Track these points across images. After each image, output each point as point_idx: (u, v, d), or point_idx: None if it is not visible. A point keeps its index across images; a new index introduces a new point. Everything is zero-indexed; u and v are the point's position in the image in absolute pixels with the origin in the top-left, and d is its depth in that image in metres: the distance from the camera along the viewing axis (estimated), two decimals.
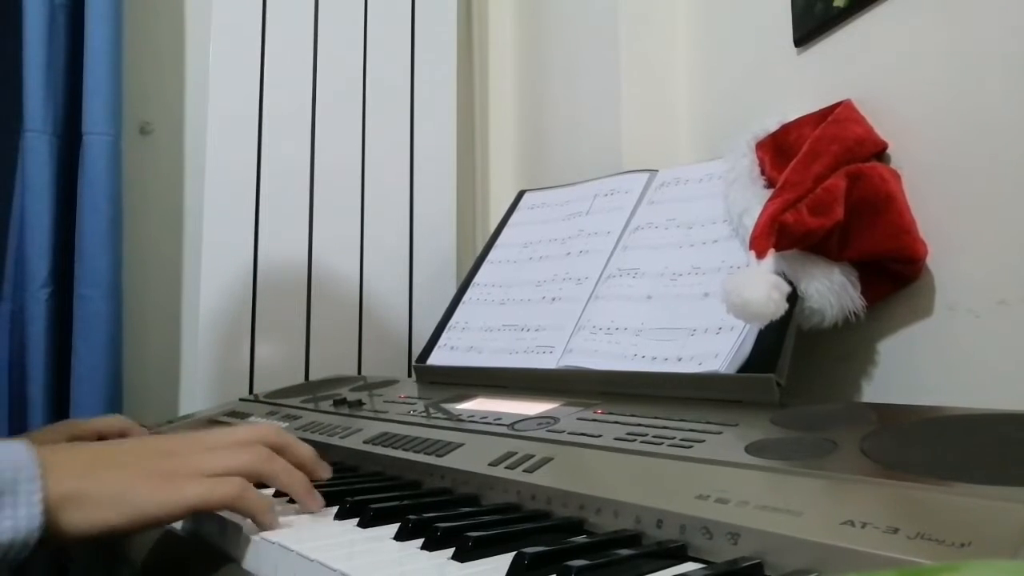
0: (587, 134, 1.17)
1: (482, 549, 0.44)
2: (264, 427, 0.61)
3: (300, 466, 0.60)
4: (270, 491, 0.60)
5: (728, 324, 0.68)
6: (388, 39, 1.31)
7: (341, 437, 0.77)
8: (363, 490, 0.60)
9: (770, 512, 0.41)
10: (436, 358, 0.97)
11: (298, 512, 0.58)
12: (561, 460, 0.56)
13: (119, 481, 0.50)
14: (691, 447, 0.52)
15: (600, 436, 0.59)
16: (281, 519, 0.55)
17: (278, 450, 0.58)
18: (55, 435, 0.73)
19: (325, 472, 0.61)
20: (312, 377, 1.20)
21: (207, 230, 1.17)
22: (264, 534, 0.51)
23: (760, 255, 0.63)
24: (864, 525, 0.37)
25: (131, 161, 1.23)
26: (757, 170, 0.73)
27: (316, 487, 0.60)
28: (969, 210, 0.64)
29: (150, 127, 1.31)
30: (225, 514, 0.56)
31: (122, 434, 0.76)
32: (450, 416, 0.76)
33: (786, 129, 0.73)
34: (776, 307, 0.60)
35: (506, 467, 0.57)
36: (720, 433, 0.54)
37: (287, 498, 0.60)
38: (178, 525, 0.62)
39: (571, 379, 0.78)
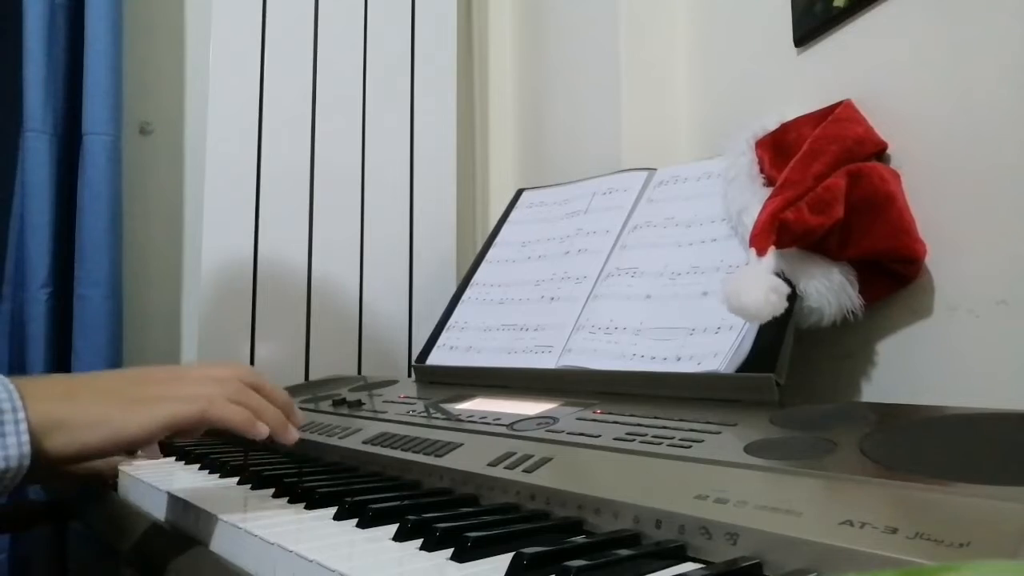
0: (587, 134, 1.17)
1: (481, 549, 0.44)
2: (240, 365, 0.62)
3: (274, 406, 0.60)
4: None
5: (727, 323, 0.68)
6: (388, 39, 1.31)
7: (340, 437, 0.77)
8: (362, 490, 0.60)
9: (769, 512, 0.41)
10: (435, 358, 0.97)
11: (287, 506, 0.58)
12: (560, 460, 0.56)
13: (96, 406, 0.52)
14: (690, 447, 0.52)
15: (599, 436, 0.59)
16: (280, 519, 0.55)
17: (253, 388, 0.59)
18: None
19: (298, 418, 0.62)
20: (312, 377, 1.20)
21: (207, 230, 1.17)
22: (264, 534, 0.51)
23: (760, 252, 0.63)
24: (863, 525, 0.37)
25: (131, 161, 1.23)
26: (756, 168, 0.73)
27: (312, 486, 0.60)
28: (969, 210, 0.64)
29: (150, 127, 1.31)
30: (223, 515, 0.56)
31: None
32: (449, 416, 0.76)
33: (785, 128, 0.73)
34: (774, 308, 0.60)
35: (505, 467, 0.57)
36: (719, 433, 0.54)
37: (285, 499, 0.60)
38: (162, 517, 0.62)
39: (570, 379, 0.78)
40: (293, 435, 0.59)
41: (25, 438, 0.47)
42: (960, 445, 0.47)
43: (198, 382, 0.57)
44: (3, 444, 0.47)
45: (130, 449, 0.54)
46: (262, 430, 0.55)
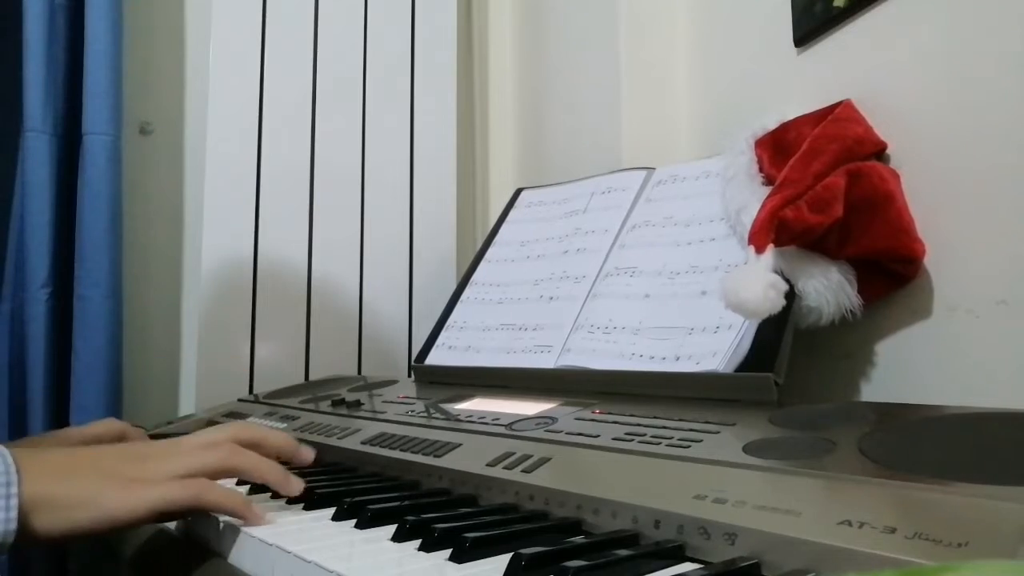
0: (587, 133, 1.17)
1: (480, 550, 0.44)
2: (235, 425, 0.62)
3: (278, 454, 0.61)
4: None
5: (726, 323, 0.68)
6: (388, 39, 1.31)
7: (339, 438, 0.77)
8: (361, 491, 0.60)
9: (768, 512, 0.41)
10: (434, 358, 0.97)
11: (286, 507, 0.58)
12: (559, 460, 0.56)
13: (88, 485, 0.51)
14: (689, 447, 0.52)
15: (598, 436, 0.59)
16: (279, 520, 0.55)
17: (251, 445, 0.59)
18: (54, 442, 0.74)
19: (308, 455, 0.63)
20: (312, 377, 1.20)
21: (207, 230, 1.17)
22: (262, 535, 0.51)
23: (759, 250, 0.63)
24: (862, 525, 0.37)
25: (131, 161, 1.23)
26: (755, 167, 0.72)
27: (311, 487, 0.60)
28: (969, 210, 0.64)
29: (150, 127, 1.31)
30: (222, 516, 0.56)
31: (120, 438, 0.76)
32: (448, 416, 0.76)
33: (785, 127, 0.73)
34: (773, 304, 0.60)
35: (504, 467, 0.57)
36: (718, 433, 0.54)
37: (284, 499, 0.60)
38: (172, 525, 0.62)
39: (569, 379, 0.78)
40: (295, 486, 0.58)
41: (13, 514, 0.47)
42: (959, 445, 0.47)
43: (192, 454, 0.56)
44: None
45: (119, 530, 0.53)
46: (256, 517, 0.54)
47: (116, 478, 0.52)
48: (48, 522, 0.49)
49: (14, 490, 0.47)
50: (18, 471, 0.48)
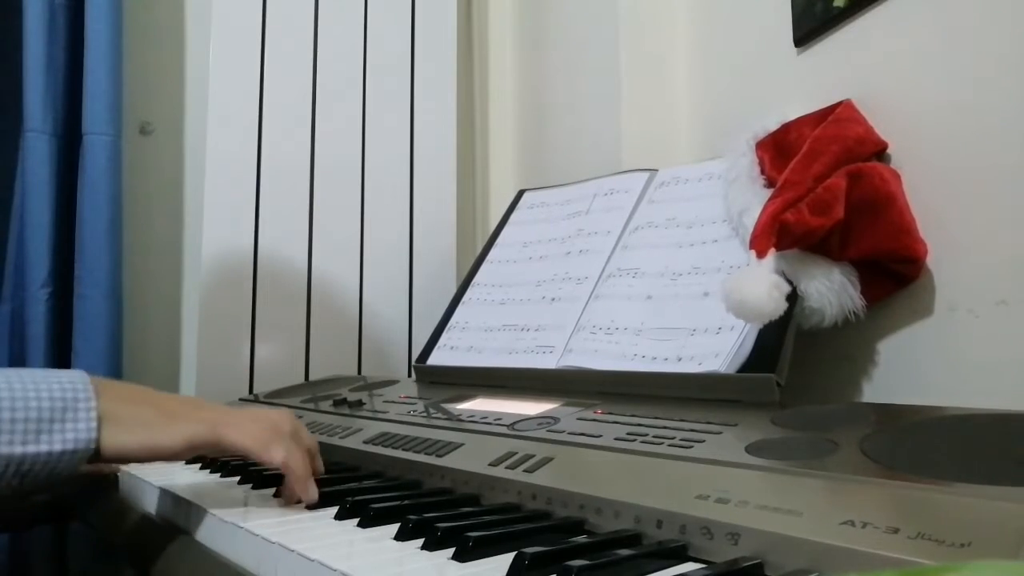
0: (587, 134, 1.17)
1: (482, 549, 0.44)
2: (276, 411, 0.66)
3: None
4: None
5: (728, 324, 0.68)
6: (388, 39, 1.31)
7: (341, 437, 0.77)
8: (363, 490, 0.61)
9: (770, 512, 0.41)
10: (436, 358, 0.97)
11: (288, 506, 0.59)
12: (561, 460, 0.56)
13: (144, 412, 0.57)
14: (691, 447, 0.52)
15: (600, 436, 0.59)
16: (281, 519, 0.55)
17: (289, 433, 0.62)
18: None
19: (319, 465, 0.65)
20: (312, 377, 1.20)
21: (207, 230, 1.17)
22: (265, 533, 0.51)
23: (761, 254, 0.63)
24: (864, 525, 0.37)
25: (131, 161, 1.23)
26: (757, 169, 0.73)
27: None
28: (969, 210, 0.64)
29: (150, 127, 1.31)
30: (224, 514, 0.56)
31: None
32: (450, 416, 0.76)
33: (786, 128, 0.73)
34: (776, 306, 0.60)
35: (506, 467, 0.57)
36: (720, 433, 0.54)
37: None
38: (164, 517, 0.62)
39: (571, 379, 0.78)
40: (312, 494, 0.59)
41: (93, 424, 0.53)
42: (961, 445, 0.47)
43: (237, 415, 0.61)
44: (75, 428, 0.52)
45: (160, 458, 0.58)
46: (276, 455, 0.58)
47: (163, 412, 0.58)
48: (111, 438, 0.54)
49: (93, 404, 0.53)
50: (96, 388, 0.54)
